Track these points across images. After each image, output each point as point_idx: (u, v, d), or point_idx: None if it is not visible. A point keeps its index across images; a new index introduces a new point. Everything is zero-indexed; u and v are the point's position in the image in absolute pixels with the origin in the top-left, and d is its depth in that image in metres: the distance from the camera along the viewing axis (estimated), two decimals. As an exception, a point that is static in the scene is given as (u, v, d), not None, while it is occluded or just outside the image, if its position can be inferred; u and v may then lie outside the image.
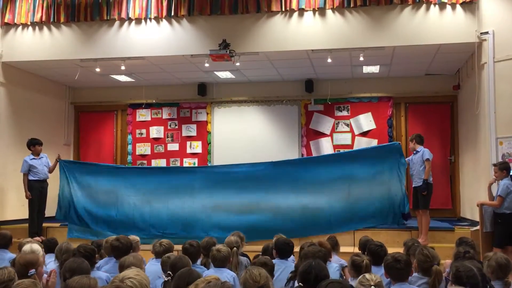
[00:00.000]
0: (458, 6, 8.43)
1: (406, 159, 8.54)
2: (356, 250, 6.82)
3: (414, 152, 8.25)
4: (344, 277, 5.63)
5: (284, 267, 4.94)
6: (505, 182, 7.02)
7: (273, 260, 4.94)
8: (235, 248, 5.35)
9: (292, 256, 5.54)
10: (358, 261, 4.48)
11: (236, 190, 8.64)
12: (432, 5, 8.52)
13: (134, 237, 6.07)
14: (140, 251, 5.99)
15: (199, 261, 5.24)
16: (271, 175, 8.63)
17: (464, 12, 8.43)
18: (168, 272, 4.09)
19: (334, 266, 5.04)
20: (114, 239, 5.31)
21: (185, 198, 8.85)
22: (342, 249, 6.70)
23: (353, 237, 8.18)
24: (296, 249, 5.71)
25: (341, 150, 10.79)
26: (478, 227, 7.50)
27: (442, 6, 8.49)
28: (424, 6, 8.55)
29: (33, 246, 4.99)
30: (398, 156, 8.32)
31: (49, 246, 5.83)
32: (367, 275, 3.52)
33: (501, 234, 6.80)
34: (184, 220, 8.71)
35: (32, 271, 4.00)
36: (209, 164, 11.49)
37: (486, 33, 8.24)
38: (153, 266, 5.09)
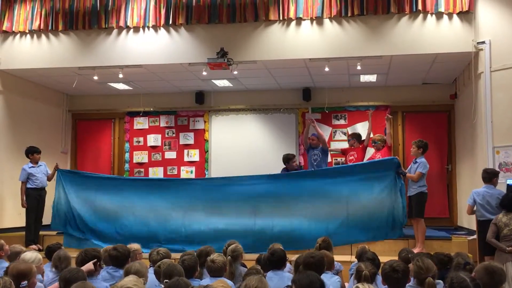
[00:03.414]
0: (455, 16, 8.48)
1: (406, 170, 8.49)
2: (353, 259, 6.82)
3: (413, 161, 8.24)
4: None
5: (278, 279, 4.89)
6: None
7: (267, 273, 4.92)
8: (229, 257, 5.32)
9: (288, 265, 5.52)
10: (360, 269, 4.48)
11: (237, 203, 8.60)
12: (429, 15, 8.56)
13: (134, 246, 6.02)
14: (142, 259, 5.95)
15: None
16: (269, 189, 8.61)
17: (461, 21, 8.48)
18: (166, 280, 4.08)
19: (335, 278, 5.00)
20: (111, 248, 5.28)
21: (186, 210, 8.78)
22: (339, 257, 6.70)
23: (350, 246, 8.15)
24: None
25: (338, 159, 10.83)
26: (475, 236, 7.51)
27: (439, 15, 8.53)
28: (421, 15, 8.60)
29: (30, 255, 4.95)
30: (396, 170, 8.29)
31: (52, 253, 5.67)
32: (360, 286, 3.54)
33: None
34: (184, 233, 8.66)
35: (24, 283, 3.94)
36: (206, 173, 11.50)
37: (483, 42, 8.29)
38: (150, 275, 5.07)
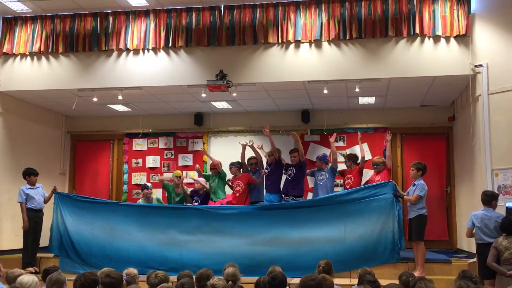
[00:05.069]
0: (452, 39, 8.56)
1: (405, 192, 8.47)
2: (353, 282, 6.77)
3: (413, 184, 8.23)
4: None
5: None
6: None
7: None
8: (230, 282, 5.27)
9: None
10: None
11: (232, 229, 8.58)
12: (426, 38, 8.64)
13: (131, 271, 5.94)
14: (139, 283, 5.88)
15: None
16: (267, 217, 8.58)
17: (458, 45, 8.55)
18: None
19: None
20: (104, 276, 5.17)
21: (181, 235, 8.73)
22: (339, 281, 6.65)
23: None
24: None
25: (337, 181, 10.78)
26: (475, 259, 7.46)
27: (436, 39, 8.61)
28: (418, 39, 8.68)
29: (27, 279, 4.89)
30: (392, 194, 8.27)
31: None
32: None
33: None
34: (179, 257, 8.60)
35: None
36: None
37: (480, 65, 8.35)
38: (148, 299, 5.01)
